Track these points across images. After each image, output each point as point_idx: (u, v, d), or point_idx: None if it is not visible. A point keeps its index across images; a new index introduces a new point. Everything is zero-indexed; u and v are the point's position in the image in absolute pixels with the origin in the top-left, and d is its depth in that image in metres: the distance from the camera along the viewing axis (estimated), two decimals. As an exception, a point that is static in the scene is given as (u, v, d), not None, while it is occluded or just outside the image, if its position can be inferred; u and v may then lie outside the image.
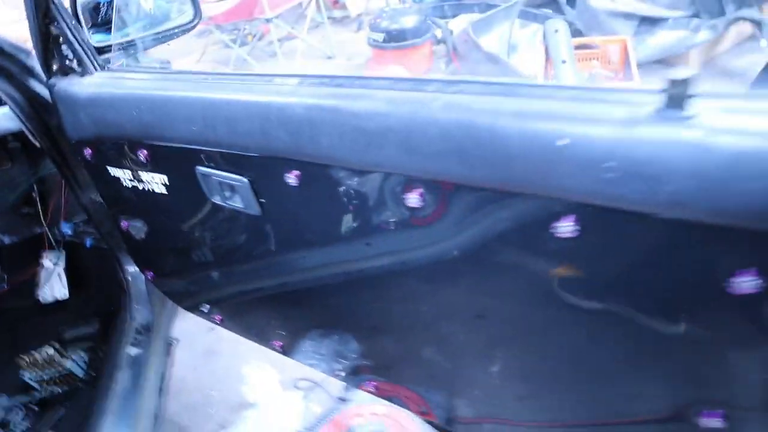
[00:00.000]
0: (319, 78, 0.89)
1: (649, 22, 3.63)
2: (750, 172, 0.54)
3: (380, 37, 4.23)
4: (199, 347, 2.23)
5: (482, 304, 0.98)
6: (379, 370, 1.28)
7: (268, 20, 4.81)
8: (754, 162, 0.54)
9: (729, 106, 0.58)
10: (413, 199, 0.82)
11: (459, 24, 3.91)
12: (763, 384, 0.72)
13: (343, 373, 1.33)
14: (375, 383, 1.32)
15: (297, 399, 1.82)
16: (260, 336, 1.45)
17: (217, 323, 1.49)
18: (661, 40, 3.54)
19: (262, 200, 1.04)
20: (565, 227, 0.69)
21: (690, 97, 0.57)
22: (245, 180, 0.99)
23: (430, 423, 1.60)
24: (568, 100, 0.66)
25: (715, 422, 0.78)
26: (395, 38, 4.18)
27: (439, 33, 4.25)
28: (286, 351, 1.41)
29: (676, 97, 0.57)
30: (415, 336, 1.16)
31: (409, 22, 4.19)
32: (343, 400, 1.65)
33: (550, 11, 3.94)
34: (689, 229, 0.62)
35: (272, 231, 1.12)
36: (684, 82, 0.56)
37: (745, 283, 0.62)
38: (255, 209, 1.05)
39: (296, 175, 0.94)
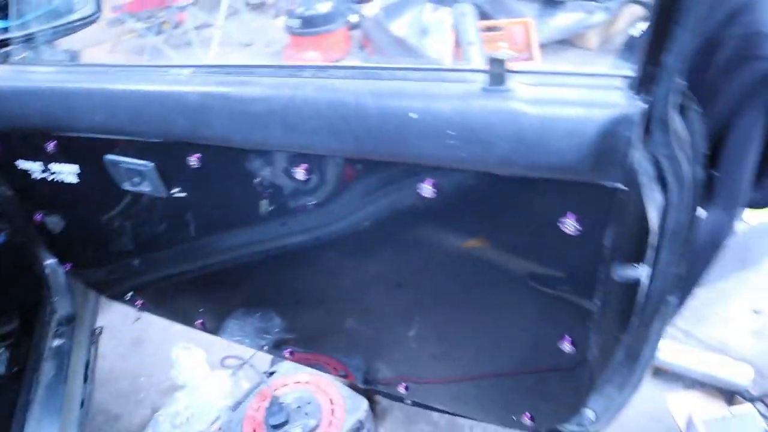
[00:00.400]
0: (211, 68, 0.97)
1: (550, 5, 3.85)
2: (553, 133, 0.68)
3: (297, 23, 4.27)
4: (126, 337, 2.25)
5: (384, 269, 1.09)
6: (301, 341, 1.37)
7: (182, 7, 4.74)
8: (556, 125, 0.68)
9: (537, 80, 0.71)
10: (300, 173, 0.92)
11: (373, 9, 4.00)
12: (594, 313, 0.87)
13: (267, 348, 1.41)
14: (298, 354, 1.41)
15: (225, 377, 1.88)
16: (184, 317, 1.51)
17: (140, 308, 1.54)
18: (561, 21, 3.77)
19: (170, 184, 1.10)
20: (427, 189, 0.82)
21: (507, 74, 0.69)
22: (151, 164, 1.06)
23: (350, 386, 1.72)
24: (418, 80, 0.78)
25: (568, 347, 0.94)
26: (311, 24, 4.22)
27: (355, 18, 4.33)
28: (210, 329, 1.47)
29: (497, 75, 0.69)
30: (332, 307, 1.26)
31: (324, 7, 4.24)
32: (269, 373, 1.73)
33: (461, -5, 4.10)
34: (522, 183, 0.75)
35: (185, 213, 1.19)
36: (501, 62, 0.69)
37: (570, 224, 0.76)
38: (163, 192, 1.11)
39: (197, 158, 1.01)
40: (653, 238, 0.79)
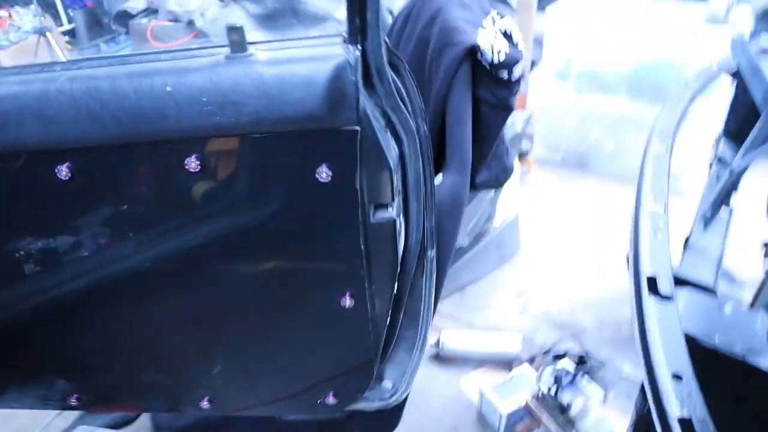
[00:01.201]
0: None
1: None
2: (290, 86, 0.78)
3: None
4: None
5: (160, 284, 1.06)
6: (92, 398, 1.25)
7: None
8: (292, 79, 0.78)
9: (273, 46, 0.82)
10: (63, 172, 0.89)
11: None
12: (362, 259, 0.97)
13: (56, 411, 1.25)
14: (95, 411, 1.27)
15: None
16: None
17: None
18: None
19: None
20: (193, 163, 0.86)
21: (245, 42, 0.79)
22: None
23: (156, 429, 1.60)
24: (169, 59, 0.83)
25: (349, 301, 1.01)
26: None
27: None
28: None
29: (237, 43, 0.79)
30: (116, 355, 1.18)
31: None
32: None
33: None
34: (278, 141, 0.83)
35: None
36: (240, 30, 0.78)
37: (325, 173, 0.85)
38: None
39: None
40: (396, 178, 0.92)
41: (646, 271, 0.87)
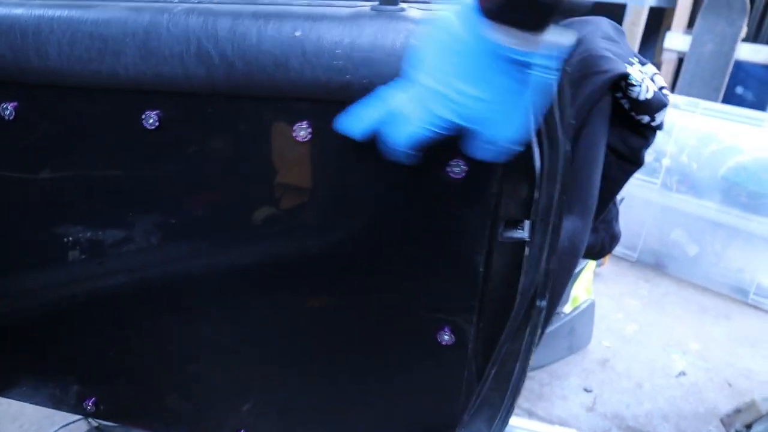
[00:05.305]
0: None
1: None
2: None
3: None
4: None
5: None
6: (113, 408, 1.09)
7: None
8: None
9: (425, 6, 0.69)
10: (152, 119, 0.77)
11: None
12: (478, 285, 0.79)
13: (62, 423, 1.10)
14: (111, 421, 1.12)
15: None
16: None
17: None
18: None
19: None
20: (303, 131, 0.72)
21: None
22: None
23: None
24: (304, 5, 0.72)
25: (447, 337, 0.83)
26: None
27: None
28: None
29: None
30: (143, 363, 1.03)
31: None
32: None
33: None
34: None
35: None
36: None
37: (459, 168, 0.70)
38: None
39: (14, 107, 0.81)
40: (536, 192, 0.76)
41: None
